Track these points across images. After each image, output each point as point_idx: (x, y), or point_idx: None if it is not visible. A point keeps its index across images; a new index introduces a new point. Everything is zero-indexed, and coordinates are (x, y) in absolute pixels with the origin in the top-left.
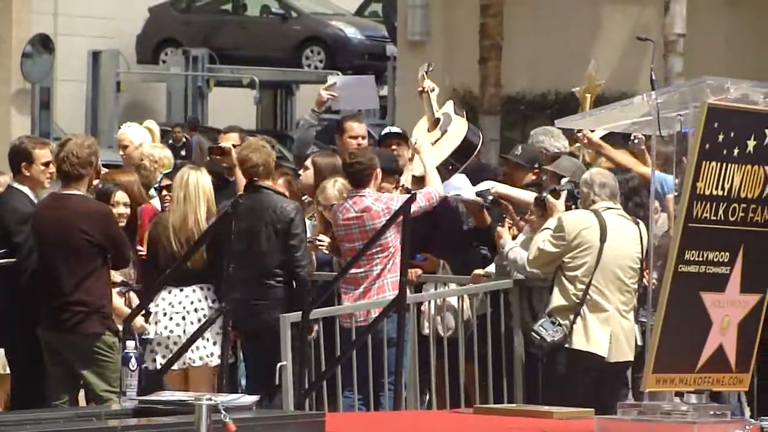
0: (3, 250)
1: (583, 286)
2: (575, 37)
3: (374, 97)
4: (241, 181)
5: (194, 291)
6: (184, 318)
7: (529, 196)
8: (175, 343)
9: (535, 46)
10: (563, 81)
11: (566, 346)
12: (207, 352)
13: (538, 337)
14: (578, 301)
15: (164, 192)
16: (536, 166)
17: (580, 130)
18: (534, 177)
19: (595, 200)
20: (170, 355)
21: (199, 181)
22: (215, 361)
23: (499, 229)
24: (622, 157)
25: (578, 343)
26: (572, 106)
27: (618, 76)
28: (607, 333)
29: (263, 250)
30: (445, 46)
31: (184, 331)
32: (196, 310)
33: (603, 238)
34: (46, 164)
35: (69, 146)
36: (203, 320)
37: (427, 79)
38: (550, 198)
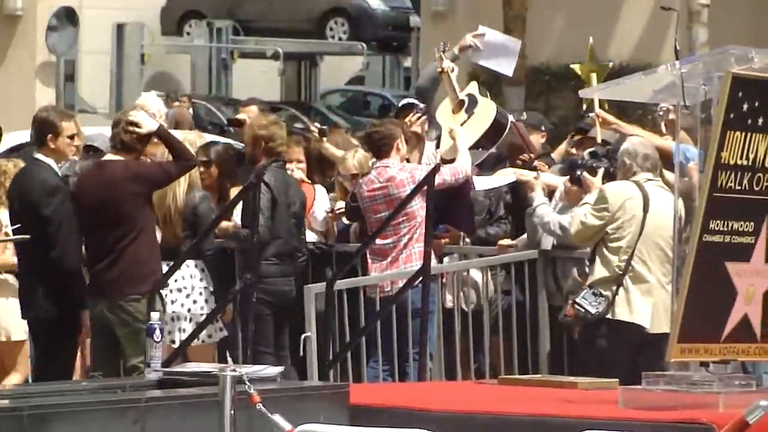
0: (16, 226)
1: (626, 257)
2: (599, 7)
3: (512, 65)
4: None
5: (187, 266)
6: (186, 294)
7: (558, 181)
8: (179, 318)
9: (559, 16)
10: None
11: (608, 317)
12: (211, 330)
13: (582, 310)
14: (621, 272)
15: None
16: (543, 128)
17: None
18: (543, 140)
19: (637, 172)
20: (177, 330)
21: None
22: (216, 337)
23: (532, 180)
24: (640, 133)
25: (621, 314)
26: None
27: (642, 46)
28: (649, 304)
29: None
30: (469, 16)
31: (186, 307)
32: (193, 287)
33: (646, 209)
34: (72, 137)
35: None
36: (203, 295)
37: (445, 59)
38: (586, 175)
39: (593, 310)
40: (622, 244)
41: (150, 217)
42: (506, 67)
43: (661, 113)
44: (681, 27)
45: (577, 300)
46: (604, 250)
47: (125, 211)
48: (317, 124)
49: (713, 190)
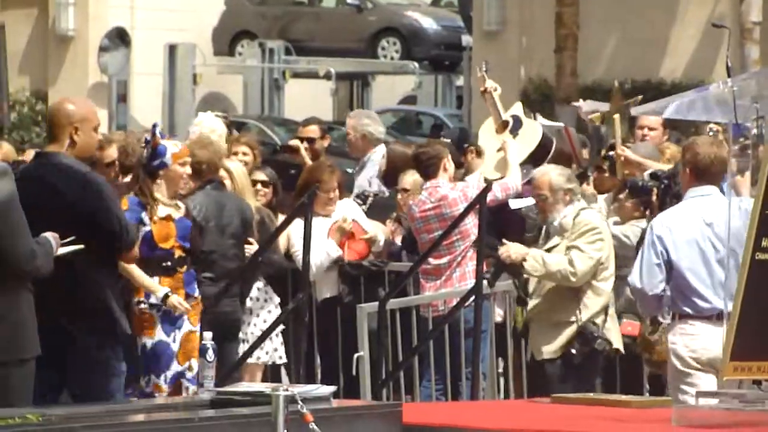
0: (71, 238)
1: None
2: (651, 25)
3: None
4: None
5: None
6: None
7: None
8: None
9: (610, 35)
10: (639, 70)
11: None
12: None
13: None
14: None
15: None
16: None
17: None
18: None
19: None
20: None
21: None
22: (263, 358)
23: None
24: (660, 166)
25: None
26: (648, 95)
27: (695, 64)
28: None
29: None
30: (520, 35)
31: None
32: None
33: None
34: (109, 164)
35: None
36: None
37: (488, 79)
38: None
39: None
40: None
41: None
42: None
43: (711, 133)
44: (733, 44)
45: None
46: (595, 282)
47: None
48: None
49: (765, 207)
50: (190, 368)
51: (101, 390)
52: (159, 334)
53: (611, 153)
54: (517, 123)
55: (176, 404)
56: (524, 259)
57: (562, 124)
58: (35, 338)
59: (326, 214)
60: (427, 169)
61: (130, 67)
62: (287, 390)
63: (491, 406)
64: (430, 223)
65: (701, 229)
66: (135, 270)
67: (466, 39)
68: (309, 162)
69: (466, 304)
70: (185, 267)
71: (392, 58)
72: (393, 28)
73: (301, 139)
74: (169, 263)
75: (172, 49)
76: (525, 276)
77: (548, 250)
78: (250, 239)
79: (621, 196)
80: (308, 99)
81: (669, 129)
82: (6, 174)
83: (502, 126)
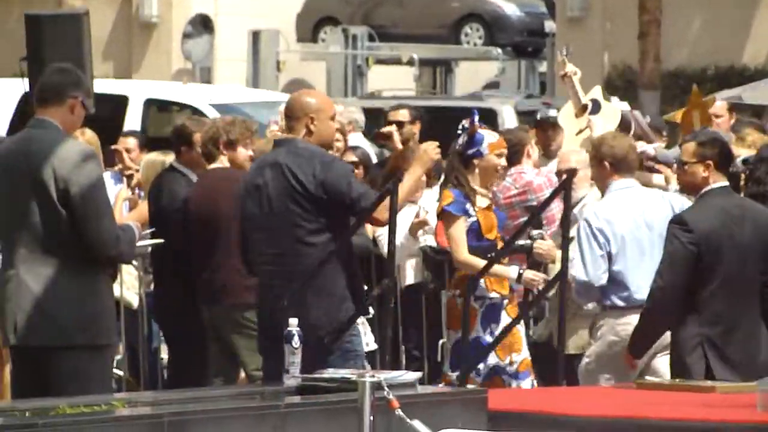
0: (151, 230)
1: None
2: (735, 10)
3: None
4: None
5: None
6: None
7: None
8: None
9: (694, 20)
10: (723, 55)
11: None
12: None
13: None
14: None
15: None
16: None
17: None
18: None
19: None
20: None
21: None
22: None
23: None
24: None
25: None
26: (732, 81)
27: None
28: None
29: None
30: (604, 21)
31: None
32: None
33: None
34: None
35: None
36: None
37: (568, 63)
38: None
39: None
40: None
41: None
42: None
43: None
44: None
45: None
46: None
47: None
48: None
49: None
50: (510, 362)
51: None
52: (477, 330)
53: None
54: (596, 106)
55: (262, 391)
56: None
57: (628, 107)
58: (113, 325)
59: (413, 201)
60: (512, 155)
61: (214, 54)
62: (373, 376)
63: (576, 392)
64: (515, 210)
65: (635, 220)
66: (479, 261)
67: (549, 25)
68: (400, 147)
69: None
70: (507, 259)
71: (475, 44)
72: (476, 14)
73: (390, 123)
74: (491, 255)
75: (255, 36)
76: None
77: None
78: None
79: None
80: (391, 85)
81: (750, 114)
82: (93, 157)
83: (582, 109)
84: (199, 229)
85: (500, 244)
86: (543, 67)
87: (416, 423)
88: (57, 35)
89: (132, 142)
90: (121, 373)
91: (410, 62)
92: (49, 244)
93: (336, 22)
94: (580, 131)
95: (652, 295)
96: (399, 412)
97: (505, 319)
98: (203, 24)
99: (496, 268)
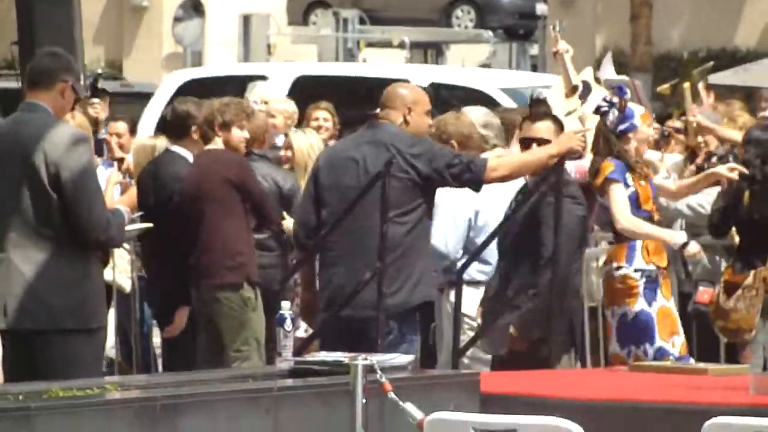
0: (139, 213)
1: None
2: None
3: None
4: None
5: None
6: None
7: None
8: None
9: (686, 3)
10: (715, 38)
11: None
12: None
13: None
14: None
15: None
16: None
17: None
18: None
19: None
20: None
21: None
22: None
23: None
24: (733, 133)
25: None
26: (724, 64)
27: None
28: None
29: None
30: (595, 4)
31: None
32: None
33: None
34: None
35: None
36: None
37: (560, 40)
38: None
39: None
40: None
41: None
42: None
43: None
44: None
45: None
46: None
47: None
48: None
49: None
50: (673, 345)
51: None
52: (641, 303)
53: (682, 119)
54: (587, 89)
55: (254, 374)
56: None
57: (627, 78)
58: (103, 308)
59: None
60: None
61: (205, 38)
62: (366, 359)
63: (569, 374)
64: None
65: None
66: (644, 224)
67: (540, 8)
68: None
69: None
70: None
71: (466, 27)
72: None
73: None
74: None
75: (246, 19)
76: None
77: None
78: None
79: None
80: None
81: (742, 96)
82: (84, 141)
83: (572, 90)
84: (189, 208)
85: (656, 216)
86: (534, 50)
87: (409, 406)
88: (48, 19)
89: (122, 127)
90: (113, 356)
91: (401, 45)
92: (40, 228)
93: (327, 5)
94: (569, 113)
95: None
96: (392, 395)
97: (660, 299)
98: (194, 8)
99: (657, 232)
